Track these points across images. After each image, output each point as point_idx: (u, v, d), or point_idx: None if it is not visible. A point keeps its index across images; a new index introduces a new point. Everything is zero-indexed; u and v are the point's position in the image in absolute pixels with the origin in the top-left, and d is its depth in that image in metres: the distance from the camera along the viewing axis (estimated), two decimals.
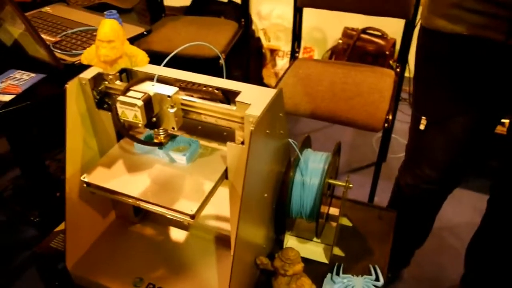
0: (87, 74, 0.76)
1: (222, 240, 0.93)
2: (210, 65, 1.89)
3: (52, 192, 1.54)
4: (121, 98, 0.69)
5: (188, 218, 0.70)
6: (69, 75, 0.78)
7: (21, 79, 1.15)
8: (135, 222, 0.98)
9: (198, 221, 0.92)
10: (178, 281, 0.85)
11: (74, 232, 0.86)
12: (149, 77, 0.74)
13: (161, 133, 0.77)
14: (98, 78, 0.78)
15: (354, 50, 2.61)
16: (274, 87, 1.75)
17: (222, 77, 0.79)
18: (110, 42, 0.72)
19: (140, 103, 0.68)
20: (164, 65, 0.76)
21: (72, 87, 0.76)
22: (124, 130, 0.75)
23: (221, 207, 0.88)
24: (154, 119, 0.73)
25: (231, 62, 2.44)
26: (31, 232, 1.83)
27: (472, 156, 1.20)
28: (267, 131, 0.71)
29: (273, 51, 2.76)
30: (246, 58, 2.53)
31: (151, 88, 0.72)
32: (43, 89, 1.11)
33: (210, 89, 0.75)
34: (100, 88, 0.78)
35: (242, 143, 0.71)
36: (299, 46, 2.02)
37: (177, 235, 0.95)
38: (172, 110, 0.71)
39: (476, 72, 1.05)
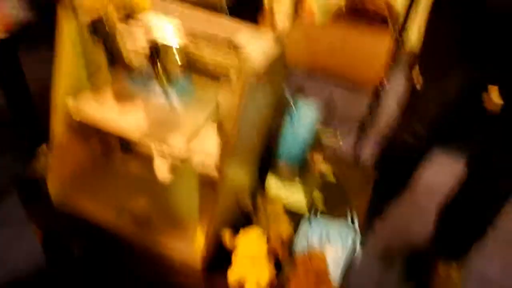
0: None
1: (206, 177, 0.93)
2: None
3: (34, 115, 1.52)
4: (122, 27, 0.67)
5: (176, 153, 0.70)
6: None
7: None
8: (121, 153, 0.97)
9: (184, 154, 0.93)
10: (160, 213, 0.87)
11: (58, 156, 0.86)
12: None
13: (159, 69, 0.75)
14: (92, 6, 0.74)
15: (354, 11, 2.56)
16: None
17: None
18: None
19: (146, 50, 0.67)
20: None
21: (64, 11, 0.72)
22: (125, 66, 0.73)
23: (208, 143, 0.88)
24: (156, 53, 0.71)
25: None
26: (14, 155, 1.80)
27: (461, 117, 1.23)
28: (265, 82, 0.70)
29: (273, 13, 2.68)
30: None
31: (155, 20, 0.69)
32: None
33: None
34: (93, 14, 0.75)
35: (236, 88, 0.70)
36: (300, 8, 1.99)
37: (163, 168, 0.95)
38: (178, 49, 0.70)
39: (480, 32, 1.05)
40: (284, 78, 0.82)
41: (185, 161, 0.96)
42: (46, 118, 0.81)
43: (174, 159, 0.91)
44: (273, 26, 2.64)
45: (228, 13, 0.81)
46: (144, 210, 0.87)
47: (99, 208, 0.87)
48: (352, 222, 0.92)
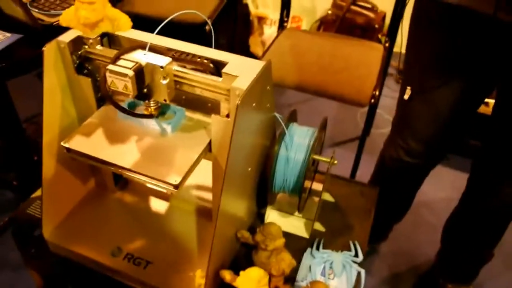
0: (66, 37, 0.72)
1: (203, 212, 0.92)
2: (195, 31, 1.83)
3: (30, 155, 1.50)
4: (110, 67, 0.66)
5: (171, 188, 0.68)
6: (47, 37, 0.74)
7: None
8: (115, 191, 0.96)
9: (180, 191, 0.91)
10: (157, 252, 0.84)
11: (51, 199, 0.84)
12: (140, 46, 0.71)
13: (151, 105, 0.74)
14: (77, 42, 0.74)
15: (343, 22, 2.57)
16: (261, 57, 1.72)
17: (209, 44, 0.75)
18: (91, 3, 0.69)
19: (131, 73, 0.65)
20: (150, 31, 0.73)
21: (50, 51, 0.72)
22: (113, 102, 0.72)
23: (203, 178, 0.87)
24: (145, 90, 0.70)
25: (218, 29, 2.37)
26: (9, 195, 1.80)
27: (455, 131, 1.21)
28: (254, 104, 0.69)
29: (261, 19, 2.70)
30: (233, 26, 2.47)
31: (143, 57, 0.68)
32: (19, 51, 1.05)
33: (204, 60, 0.71)
34: (80, 52, 0.74)
35: (228, 116, 0.69)
36: (288, 15, 1.97)
37: (157, 205, 0.94)
38: (165, 82, 0.68)
39: (464, 44, 1.03)
40: (274, 104, 0.81)
41: (180, 195, 0.94)
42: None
43: (169, 194, 0.89)
44: (261, 37, 2.66)
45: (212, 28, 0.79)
46: (140, 249, 0.85)
47: (93, 249, 0.84)
48: (356, 251, 0.89)
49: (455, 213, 1.35)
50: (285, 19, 1.95)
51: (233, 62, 0.69)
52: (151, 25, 0.74)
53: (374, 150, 1.49)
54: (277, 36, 1.83)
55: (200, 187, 0.95)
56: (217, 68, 0.70)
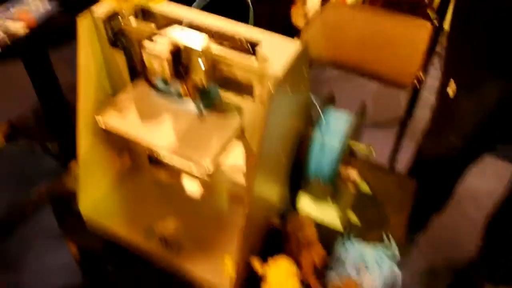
0: (100, 9, 0.70)
1: (236, 195, 0.90)
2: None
3: (70, 123, 1.52)
4: (147, 44, 0.63)
5: (202, 170, 0.66)
6: (86, 6, 0.72)
7: (34, 5, 1.07)
8: (149, 168, 0.95)
9: (211, 174, 0.89)
10: (189, 236, 0.83)
11: (87, 174, 0.84)
12: (177, 21, 0.68)
13: (189, 86, 0.71)
14: (112, 14, 0.71)
15: None
16: (302, 32, 1.66)
17: (248, 14, 0.71)
18: None
19: (167, 53, 0.62)
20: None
21: (83, 22, 0.70)
22: (149, 81, 0.70)
23: (237, 159, 0.84)
24: (182, 69, 0.67)
25: None
26: (51, 162, 1.84)
27: (501, 125, 1.12)
28: (288, 89, 0.65)
29: None
30: None
31: (180, 35, 0.65)
32: (58, 20, 1.03)
33: (241, 39, 0.67)
34: (113, 24, 0.72)
35: (260, 100, 0.66)
36: None
37: (191, 185, 0.92)
38: (202, 63, 0.65)
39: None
40: (309, 87, 0.76)
41: (212, 178, 0.93)
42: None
43: (201, 176, 0.88)
44: (304, 8, 2.57)
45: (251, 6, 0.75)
46: (173, 231, 0.84)
47: (127, 229, 0.85)
48: (390, 245, 0.86)
49: (499, 207, 1.28)
50: None
51: (269, 42, 0.65)
52: None
53: (417, 132, 1.41)
54: (319, 11, 1.75)
55: (233, 169, 0.93)
56: (252, 48, 0.66)
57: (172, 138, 0.70)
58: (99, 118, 0.73)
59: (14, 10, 1.04)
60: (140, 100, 0.76)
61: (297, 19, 2.62)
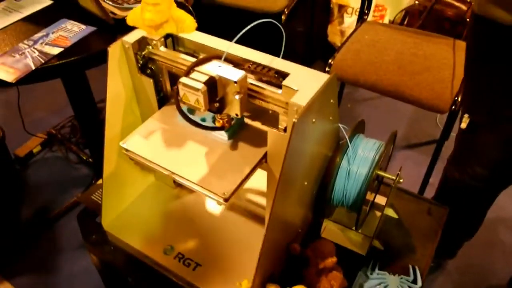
0: (131, 38, 0.73)
1: (258, 219, 0.90)
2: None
3: (103, 135, 1.58)
4: (183, 79, 0.64)
5: (221, 201, 0.67)
6: (119, 30, 0.74)
7: (71, 31, 1.13)
8: (173, 187, 0.97)
9: (236, 195, 0.89)
10: (207, 255, 0.84)
11: (111, 192, 0.86)
12: (215, 56, 0.69)
13: (224, 117, 0.72)
14: (142, 42, 0.74)
15: (430, 14, 2.39)
16: (337, 51, 1.65)
17: (280, 38, 0.71)
18: (156, 5, 0.67)
19: (203, 87, 0.62)
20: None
21: (114, 50, 0.72)
22: (187, 117, 0.71)
23: (261, 184, 0.84)
24: (217, 104, 0.67)
25: (295, 16, 2.32)
26: (85, 171, 1.91)
27: None
28: (313, 120, 0.65)
29: (342, 7, 2.59)
30: (311, 13, 2.40)
31: (217, 70, 0.66)
32: (91, 44, 1.09)
33: (272, 73, 0.68)
34: (143, 52, 0.74)
35: (285, 130, 0.66)
36: (369, 6, 1.87)
37: (213, 206, 0.94)
38: (238, 97, 0.65)
39: None
40: (338, 116, 0.76)
41: (237, 200, 0.93)
42: None
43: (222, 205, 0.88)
44: (340, 26, 2.55)
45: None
46: (192, 251, 0.85)
47: (148, 247, 0.86)
48: (415, 277, 0.83)
49: None
50: (366, 11, 1.85)
51: (296, 73, 0.65)
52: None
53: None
54: (355, 29, 1.74)
55: (258, 193, 0.94)
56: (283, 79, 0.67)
57: (194, 167, 0.71)
58: (123, 144, 0.75)
59: (53, 36, 1.10)
60: (165, 127, 0.78)
61: (334, 37, 2.61)
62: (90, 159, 1.87)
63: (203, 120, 0.77)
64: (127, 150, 0.75)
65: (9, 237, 1.69)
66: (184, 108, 0.75)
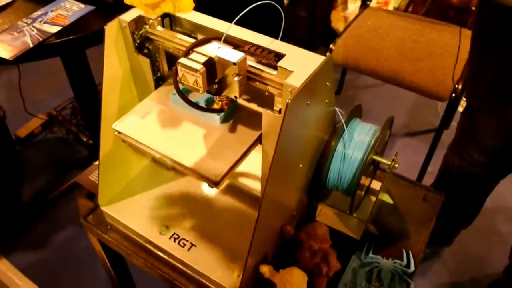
0: (128, 16, 0.72)
1: (253, 201, 0.90)
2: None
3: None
4: (182, 60, 0.64)
5: (212, 184, 0.67)
6: (118, 10, 0.74)
7: (70, 10, 1.13)
8: (169, 168, 0.97)
9: (231, 177, 0.89)
10: (202, 236, 0.85)
11: (108, 172, 0.87)
12: (214, 38, 0.68)
13: (223, 100, 0.72)
14: (139, 21, 0.73)
15: (435, 1, 2.37)
16: (339, 36, 1.64)
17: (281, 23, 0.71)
18: None
19: (202, 68, 0.62)
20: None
21: (111, 28, 0.72)
22: (185, 98, 0.71)
23: (256, 166, 0.85)
24: (216, 85, 0.67)
25: (298, 1, 2.31)
26: (85, 152, 1.91)
27: None
28: (308, 102, 0.64)
29: None
30: None
31: (216, 51, 0.65)
32: (93, 22, 1.08)
33: (270, 54, 0.67)
34: (140, 32, 0.74)
35: (280, 111, 0.66)
36: None
37: (209, 187, 0.94)
38: (237, 78, 0.65)
39: None
40: (333, 99, 0.75)
41: (232, 183, 0.94)
42: None
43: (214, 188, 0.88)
44: (344, 12, 2.53)
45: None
46: (187, 232, 0.86)
47: (143, 227, 0.87)
48: (408, 261, 0.84)
49: None
50: None
51: (292, 55, 0.65)
52: None
53: None
54: (358, 15, 1.73)
55: (254, 175, 0.94)
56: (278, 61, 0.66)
57: (186, 150, 0.72)
58: (115, 126, 0.75)
59: (52, 14, 1.10)
60: (159, 109, 0.78)
61: (337, 23, 2.59)
62: (90, 141, 1.88)
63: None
64: (119, 133, 0.75)
65: (9, 216, 1.70)
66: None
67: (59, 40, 1.04)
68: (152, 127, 0.75)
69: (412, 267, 0.83)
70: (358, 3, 2.52)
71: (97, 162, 1.01)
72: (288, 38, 0.69)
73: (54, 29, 1.08)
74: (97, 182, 0.95)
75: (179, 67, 0.64)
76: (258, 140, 0.72)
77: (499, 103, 1.02)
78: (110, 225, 0.91)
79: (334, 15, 2.61)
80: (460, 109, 1.08)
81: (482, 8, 0.99)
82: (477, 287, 1.41)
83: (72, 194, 1.73)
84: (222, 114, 0.74)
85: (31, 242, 1.61)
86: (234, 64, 0.64)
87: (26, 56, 1.03)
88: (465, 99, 1.10)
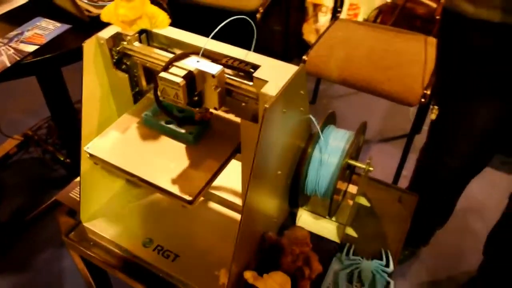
0: (105, 33, 0.74)
1: (233, 208, 0.92)
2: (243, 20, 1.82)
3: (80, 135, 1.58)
4: (162, 74, 0.65)
5: (186, 204, 0.69)
6: (94, 28, 0.76)
7: (46, 29, 1.14)
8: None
9: (211, 187, 0.91)
10: (186, 246, 0.86)
11: (89, 188, 0.87)
12: (193, 52, 0.70)
13: (202, 111, 0.74)
14: (116, 38, 0.75)
15: (402, 12, 2.46)
16: (311, 48, 1.69)
17: (258, 34, 0.74)
18: (129, 1, 0.69)
19: (182, 81, 0.64)
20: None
21: (89, 45, 0.74)
22: (166, 111, 0.72)
23: (236, 175, 0.87)
24: (196, 98, 0.69)
25: (271, 15, 2.35)
26: (62, 172, 1.90)
27: (493, 146, 1.13)
28: (284, 110, 0.67)
29: (316, 6, 2.64)
30: (286, 12, 2.44)
31: (195, 64, 0.67)
32: (66, 41, 1.10)
33: (246, 66, 0.69)
34: (118, 48, 0.76)
35: (257, 120, 0.68)
36: (341, 4, 1.92)
37: None
38: (216, 90, 0.67)
39: (507, 64, 0.94)
40: (308, 107, 0.79)
41: (214, 194, 0.95)
42: None
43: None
44: (315, 25, 2.59)
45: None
46: (171, 243, 0.87)
47: (127, 240, 0.87)
48: (387, 261, 0.87)
49: (500, 222, 1.27)
50: (339, 9, 1.90)
51: (267, 65, 0.68)
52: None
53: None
54: (329, 27, 1.78)
55: (234, 184, 0.96)
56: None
57: (160, 170, 0.73)
58: (86, 149, 0.76)
59: (28, 33, 1.11)
60: (131, 130, 0.79)
61: (309, 35, 2.65)
62: (67, 160, 1.86)
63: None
64: (91, 155, 0.76)
65: None
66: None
67: (36, 59, 1.05)
68: (124, 149, 0.76)
69: (391, 266, 0.86)
70: (329, 16, 2.59)
71: (77, 179, 1.01)
72: (263, 51, 0.72)
73: (31, 48, 1.09)
74: (78, 199, 0.96)
75: (159, 81, 0.66)
76: (234, 154, 0.74)
77: (467, 108, 1.07)
78: (92, 241, 0.92)
79: (306, 27, 2.67)
80: (433, 116, 1.12)
81: (443, 18, 1.04)
82: (455, 283, 1.46)
83: (50, 214, 1.72)
84: (194, 132, 0.76)
85: (12, 263, 1.59)
86: (213, 76, 0.66)
87: (4, 76, 1.03)
88: (434, 106, 1.14)
